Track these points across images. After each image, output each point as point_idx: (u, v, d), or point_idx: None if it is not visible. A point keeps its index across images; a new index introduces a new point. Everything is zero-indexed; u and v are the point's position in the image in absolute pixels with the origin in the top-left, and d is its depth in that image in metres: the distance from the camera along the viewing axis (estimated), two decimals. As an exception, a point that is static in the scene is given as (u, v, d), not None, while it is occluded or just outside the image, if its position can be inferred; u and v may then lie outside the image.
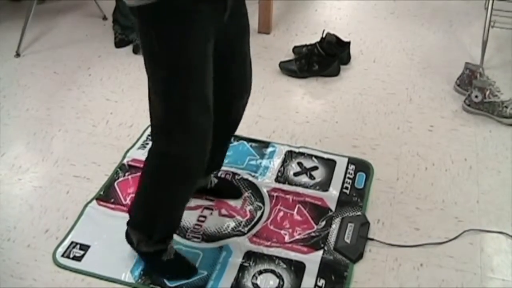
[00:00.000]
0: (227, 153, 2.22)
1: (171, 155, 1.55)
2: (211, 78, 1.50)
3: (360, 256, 1.90)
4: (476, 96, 2.55)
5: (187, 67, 1.44)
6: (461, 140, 2.44)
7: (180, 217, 1.76)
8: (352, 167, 2.27)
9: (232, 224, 2.00)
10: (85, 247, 1.91)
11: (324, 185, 2.18)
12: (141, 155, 2.29)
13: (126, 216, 1.93)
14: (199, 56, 1.44)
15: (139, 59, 3.02)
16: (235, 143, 2.36)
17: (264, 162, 2.28)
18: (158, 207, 1.69)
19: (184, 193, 1.68)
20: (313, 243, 1.94)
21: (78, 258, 1.88)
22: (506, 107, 2.52)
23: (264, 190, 2.14)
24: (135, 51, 3.00)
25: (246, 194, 2.12)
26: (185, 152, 1.54)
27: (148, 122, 2.43)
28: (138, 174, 2.16)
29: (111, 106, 2.63)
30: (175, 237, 1.91)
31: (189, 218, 2.01)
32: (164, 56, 1.43)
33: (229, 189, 2.13)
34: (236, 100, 1.76)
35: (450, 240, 1.97)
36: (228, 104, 1.73)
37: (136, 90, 2.73)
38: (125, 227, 1.84)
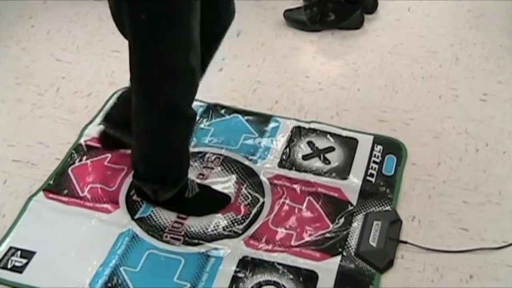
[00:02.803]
0: (216, 132, 2.24)
1: (159, 102, 1.80)
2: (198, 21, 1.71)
3: (389, 264, 1.90)
4: (546, 55, 2.55)
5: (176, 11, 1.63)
6: (524, 113, 2.45)
7: (188, 151, 2.03)
8: (378, 148, 2.27)
9: (222, 222, 2.01)
10: (28, 254, 1.90)
11: (343, 172, 2.18)
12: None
13: (83, 212, 2.02)
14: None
15: (99, 6, 3.03)
16: (227, 116, 2.36)
17: (265, 141, 2.28)
18: (161, 151, 1.93)
19: (183, 129, 1.92)
20: (328, 246, 1.94)
21: (18, 269, 1.87)
22: None
23: (264, 178, 2.14)
24: (94, -4, 2.98)
25: (241, 182, 2.12)
26: (175, 95, 1.80)
27: (112, 90, 2.48)
28: (99, 157, 2.20)
29: (62, 68, 2.62)
30: (148, 239, 1.94)
31: (166, 214, 2.02)
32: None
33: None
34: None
35: (510, 245, 1.97)
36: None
37: (96, 46, 2.72)
38: (82, 225, 1.95)
